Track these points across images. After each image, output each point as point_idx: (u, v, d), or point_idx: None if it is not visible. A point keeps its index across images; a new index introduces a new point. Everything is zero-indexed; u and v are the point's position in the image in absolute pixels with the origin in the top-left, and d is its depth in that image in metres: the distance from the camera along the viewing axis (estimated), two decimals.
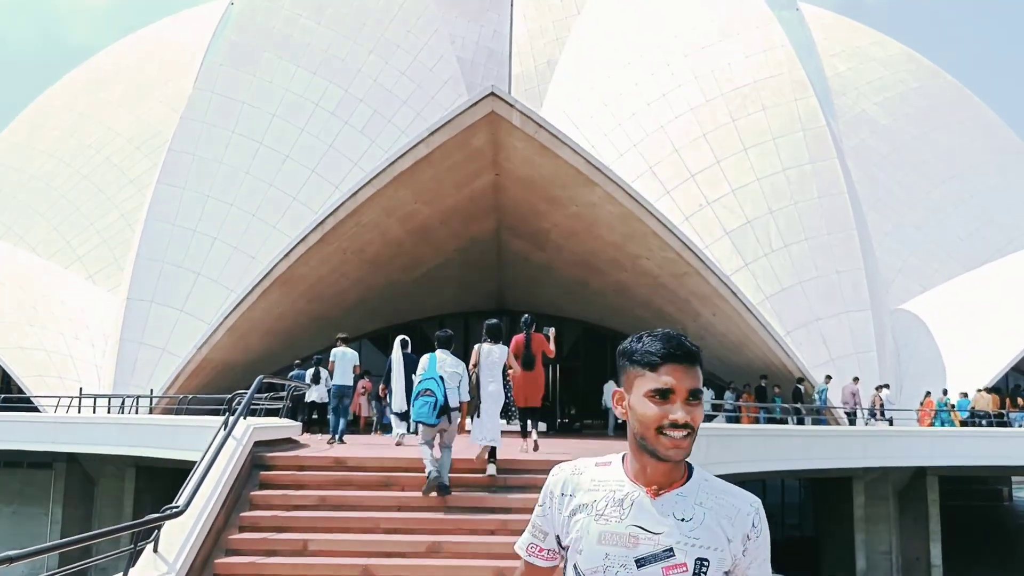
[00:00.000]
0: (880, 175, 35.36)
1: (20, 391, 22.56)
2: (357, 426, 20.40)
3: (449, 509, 8.07)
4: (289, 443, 10.64)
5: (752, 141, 26.29)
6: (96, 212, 32.26)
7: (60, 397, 20.94)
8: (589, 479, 1.94)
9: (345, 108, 28.26)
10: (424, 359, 8.65)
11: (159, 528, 6.45)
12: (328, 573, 7.02)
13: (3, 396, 22.50)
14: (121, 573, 6.06)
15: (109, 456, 18.19)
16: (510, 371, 10.41)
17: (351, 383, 13.65)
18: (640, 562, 1.82)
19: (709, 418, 19.37)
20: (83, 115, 35.51)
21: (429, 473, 8.20)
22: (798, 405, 20.90)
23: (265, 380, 10.33)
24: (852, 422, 20.91)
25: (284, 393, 14.60)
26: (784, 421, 20.54)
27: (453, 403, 8.54)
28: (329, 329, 19.56)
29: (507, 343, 10.48)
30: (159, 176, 26.09)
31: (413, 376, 9.80)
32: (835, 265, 24.18)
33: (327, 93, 28.38)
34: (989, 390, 23.07)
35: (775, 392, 21.59)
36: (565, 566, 1.98)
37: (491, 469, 8.97)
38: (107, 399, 21.13)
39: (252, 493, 8.10)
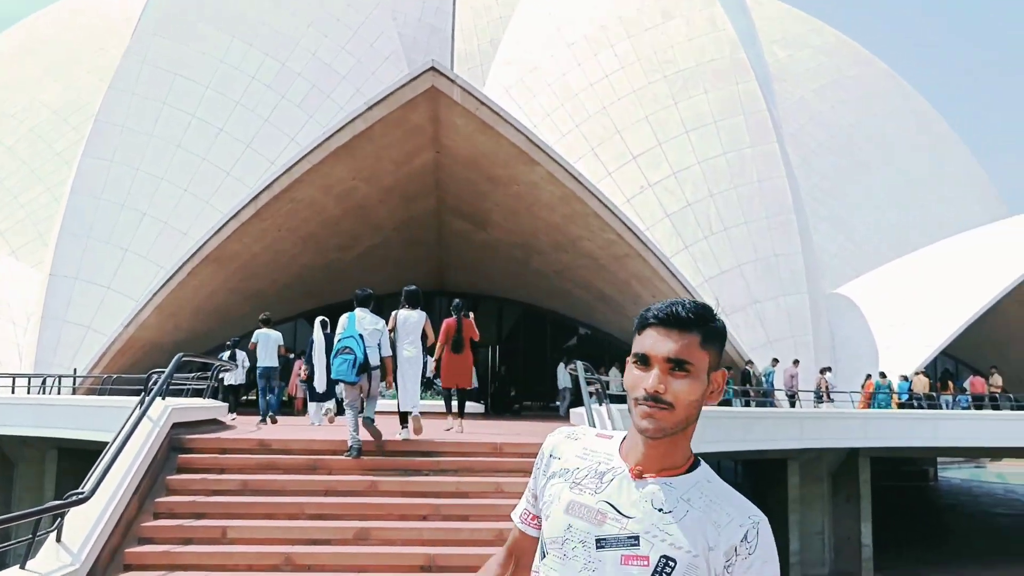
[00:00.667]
0: (817, 161, 35.78)
1: None
2: (293, 408, 19.96)
3: (378, 493, 7.77)
4: (214, 424, 10.21)
5: (693, 124, 26.31)
6: (20, 186, 30.89)
7: None
8: (582, 447, 1.75)
9: (282, 82, 27.47)
10: (343, 318, 8.72)
11: (62, 516, 6.01)
12: (248, 562, 6.65)
13: None
14: (19, 565, 5.62)
15: (28, 438, 17.40)
16: (432, 360, 10.70)
17: (276, 364, 13.53)
18: (600, 543, 1.61)
19: None
20: (7, 85, 33.92)
21: (351, 447, 8.27)
22: (747, 387, 21.02)
23: (186, 358, 9.87)
24: (792, 404, 21.12)
25: (212, 373, 14.13)
26: (731, 403, 20.66)
27: (374, 361, 8.62)
28: (264, 308, 19.04)
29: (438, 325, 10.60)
30: (85, 148, 25.06)
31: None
32: (773, 248, 24.37)
33: (263, 66, 27.54)
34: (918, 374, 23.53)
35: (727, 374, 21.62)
36: None
37: (404, 434, 9.08)
38: (27, 379, 20.24)
39: (169, 477, 7.67)
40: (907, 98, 40.54)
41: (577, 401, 14.61)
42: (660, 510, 1.61)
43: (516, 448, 8.73)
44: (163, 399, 8.60)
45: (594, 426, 8.08)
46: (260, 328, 13.58)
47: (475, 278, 28.21)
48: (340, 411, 12.79)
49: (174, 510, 7.25)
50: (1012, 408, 23.99)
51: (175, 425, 8.42)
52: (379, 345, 8.75)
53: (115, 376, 18.68)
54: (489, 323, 31.00)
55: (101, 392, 18.69)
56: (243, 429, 10.26)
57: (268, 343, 13.35)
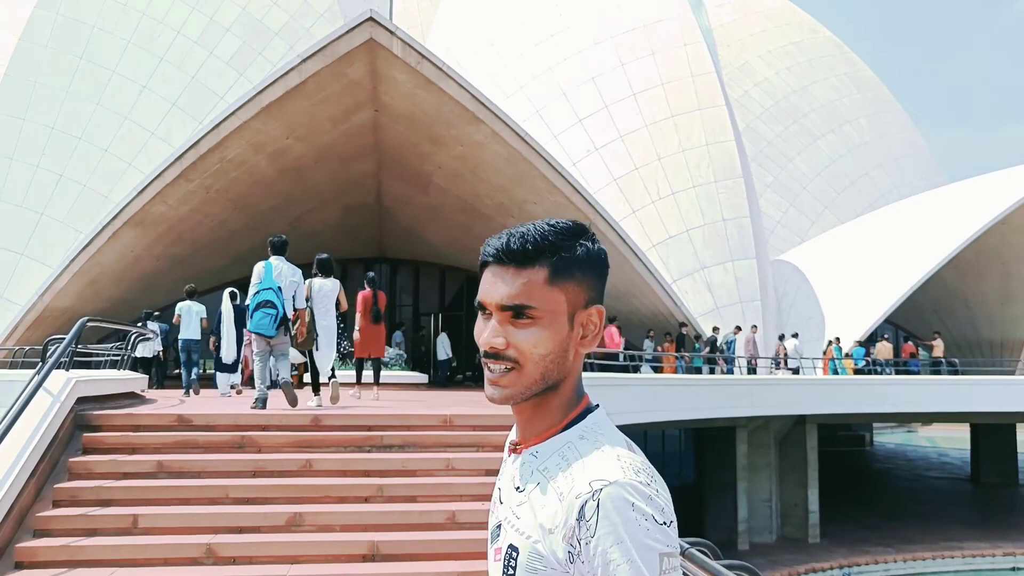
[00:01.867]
0: (762, 127, 35.60)
1: None
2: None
3: (314, 473, 6.94)
4: (130, 399, 9.23)
5: (641, 86, 25.65)
6: None
7: None
8: (510, 440, 1.45)
9: (210, 37, 25.97)
10: (259, 267, 8.42)
11: None
12: (163, 555, 5.79)
13: None
14: None
15: None
16: (356, 330, 11.00)
17: (198, 337, 13.27)
18: (492, 537, 1.34)
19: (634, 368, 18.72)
20: None
21: (259, 397, 8.29)
22: (714, 355, 20.56)
23: (92, 323, 8.88)
24: (750, 371, 20.81)
25: (135, 341, 13.12)
26: (700, 370, 20.24)
27: (290, 313, 8.72)
28: (192, 276, 17.94)
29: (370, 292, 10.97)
30: None
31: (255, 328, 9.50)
32: (721, 213, 23.94)
33: (190, 20, 26.00)
34: (866, 341, 23.44)
35: (695, 341, 21.13)
36: None
37: (314, 403, 9.00)
38: None
39: (72, 460, 6.71)
40: (851, 65, 40.55)
41: None
42: (518, 489, 1.30)
43: (468, 420, 7.96)
44: (67, 370, 7.62)
45: None
46: (184, 300, 13.35)
47: (416, 245, 27.28)
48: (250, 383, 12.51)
49: (77, 497, 6.33)
50: (950, 374, 24.17)
51: (81, 400, 7.46)
52: (294, 297, 8.79)
53: (28, 348, 17.38)
54: (431, 291, 30.16)
55: (13, 366, 17.39)
56: (162, 404, 9.29)
57: (191, 315, 13.15)
